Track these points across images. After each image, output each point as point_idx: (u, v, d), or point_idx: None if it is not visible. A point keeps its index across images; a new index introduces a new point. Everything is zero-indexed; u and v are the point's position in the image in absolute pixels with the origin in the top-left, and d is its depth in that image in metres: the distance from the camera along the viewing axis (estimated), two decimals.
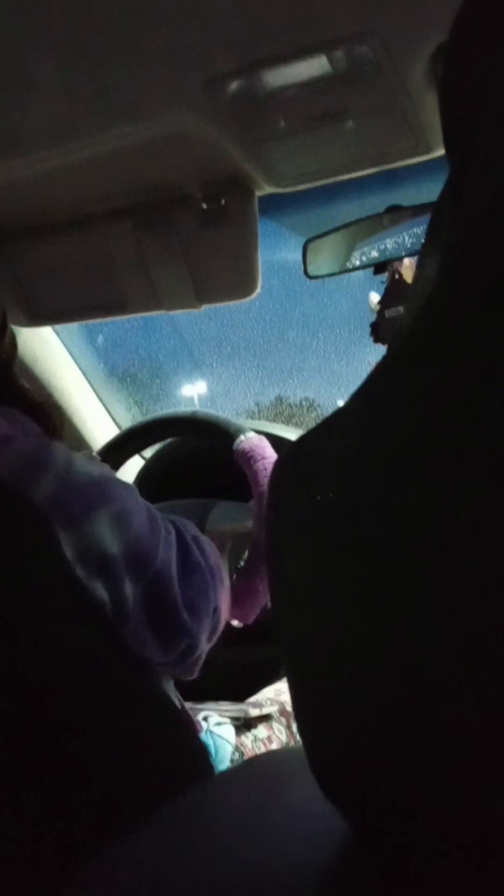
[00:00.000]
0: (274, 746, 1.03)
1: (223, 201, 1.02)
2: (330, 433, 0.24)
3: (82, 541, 0.59)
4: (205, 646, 0.72)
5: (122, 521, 0.62)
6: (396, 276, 1.00)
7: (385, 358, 0.22)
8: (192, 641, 0.68)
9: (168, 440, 1.47)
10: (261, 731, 1.04)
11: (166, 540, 0.66)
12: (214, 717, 1.03)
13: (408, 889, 0.21)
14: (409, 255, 0.99)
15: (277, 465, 0.26)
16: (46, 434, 0.72)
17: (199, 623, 0.68)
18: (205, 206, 1.03)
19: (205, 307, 1.17)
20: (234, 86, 0.77)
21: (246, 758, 0.98)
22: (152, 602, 0.63)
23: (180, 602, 0.65)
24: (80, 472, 0.62)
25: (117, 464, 1.33)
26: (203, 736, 0.97)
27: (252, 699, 1.14)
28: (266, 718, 1.07)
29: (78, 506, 0.60)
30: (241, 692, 1.15)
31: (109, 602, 0.61)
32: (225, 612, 0.76)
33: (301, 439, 0.25)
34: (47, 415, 0.75)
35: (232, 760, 0.97)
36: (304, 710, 0.24)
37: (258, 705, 1.10)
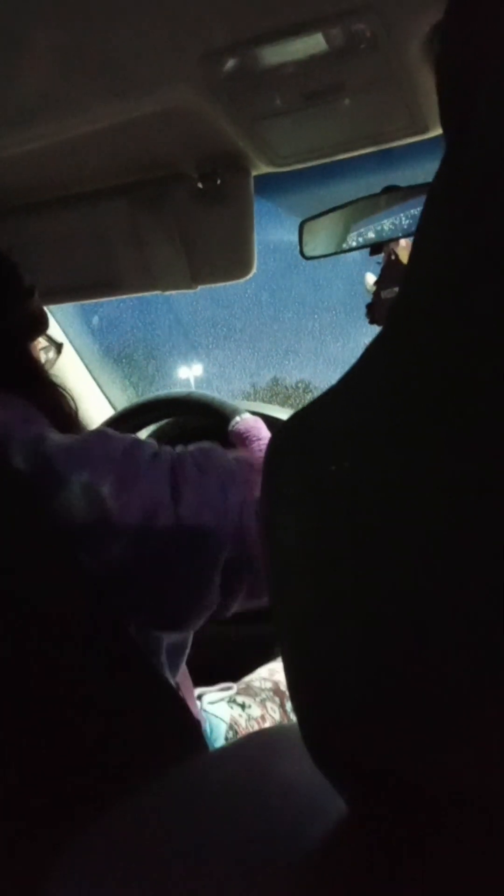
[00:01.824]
0: (267, 725, 1.04)
1: (219, 180, 1.01)
2: (325, 408, 0.24)
3: (58, 510, 0.58)
4: (233, 596, 0.66)
5: (93, 487, 0.60)
6: (392, 257, 1.00)
7: (380, 333, 0.22)
8: (220, 553, 0.63)
9: (163, 421, 1.47)
10: (255, 709, 1.05)
11: (153, 485, 0.62)
12: (209, 696, 1.03)
13: (403, 859, 0.22)
14: (406, 235, 0.98)
15: (272, 441, 0.26)
16: (56, 421, 0.70)
17: (207, 558, 0.63)
18: (201, 185, 1.02)
19: (200, 288, 1.17)
20: (230, 61, 0.77)
21: (240, 736, 0.99)
22: (127, 562, 0.60)
23: (181, 532, 0.61)
24: (48, 445, 0.60)
25: None
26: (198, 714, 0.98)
27: (246, 678, 1.15)
28: (260, 697, 1.08)
29: (49, 477, 0.59)
30: (234, 670, 1.16)
31: (100, 570, 0.59)
32: (249, 495, 0.68)
33: (296, 415, 0.25)
34: (57, 401, 0.72)
35: (227, 738, 0.98)
36: (298, 683, 0.24)
37: (252, 684, 1.11)
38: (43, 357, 0.77)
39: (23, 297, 0.72)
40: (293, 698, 0.25)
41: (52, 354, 0.77)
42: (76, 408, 0.76)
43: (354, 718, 0.20)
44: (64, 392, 0.74)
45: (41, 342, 0.78)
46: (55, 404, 0.71)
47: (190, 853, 0.31)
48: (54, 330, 1.54)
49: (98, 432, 0.66)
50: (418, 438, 0.18)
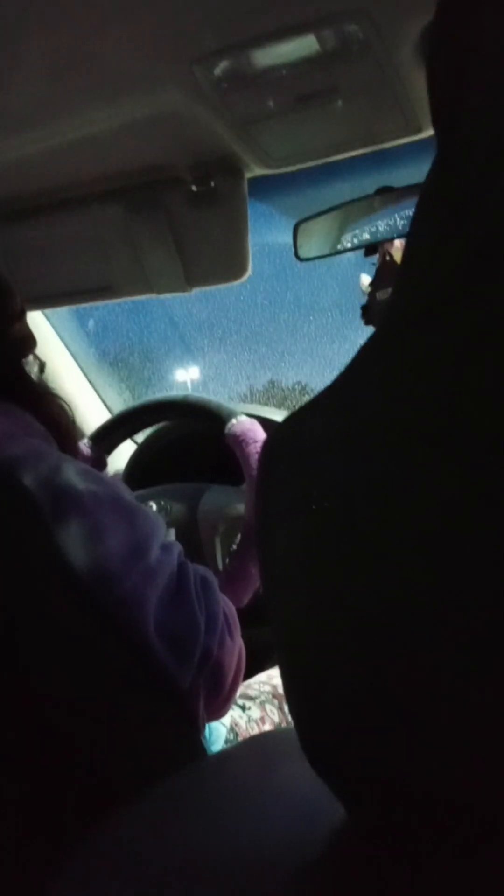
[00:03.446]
0: (267, 727, 1.04)
1: (213, 183, 1.01)
2: (318, 411, 0.24)
3: (51, 542, 0.58)
4: (196, 697, 0.68)
5: (92, 537, 0.60)
6: (387, 258, 1.00)
7: (372, 336, 0.22)
8: (172, 677, 0.64)
9: (160, 424, 1.47)
10: (254, 711, 1.05)
11: (148, 571, 0.63)
12: None
13: (402, 866, 0.22)
14: (401, 236, 0.98)
15: (266, 445, 0.26)
16: (53, 432, 0.71)
17: (181, 660, 0.65)
18: (194, 188, 1.02)
19: (195, 291, 1.17)
20: (221, 65, 0.77)
21: (240, 738, 0.99)
22: (120, 626, 0.61)
23: (153, 632, 0.62)
24: (61, 481, 0.61)
25: (109, 448, 1.33)
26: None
27: (245, 682, 1.15)
28: (259, 699, 1.08)
29: (49, 511, 0.59)
30: None
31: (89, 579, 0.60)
32: (229, 667, 0.72)
33: (289, 418, 0.25)
34: (54, 412, 0.74)
35: (227, 741, 0.98)
36: (293, 688, 0.24)
37: (251, 686, 1.12)
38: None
39: (16, 319, 0.75)
40: (289, 703, 0.25)
41: (35, 370, 0.79)
42: (73, 417, 0.78)
43: (349, 724, 0.20)
44: (62, 402, 0.77)
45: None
46: (53, 415, 0.73)
47: (189, 860, 0.31)
48: (50, 334, 1.55)
49: (115, 492, 0.66)
50: (412, 442, 0.18)
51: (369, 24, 0.71)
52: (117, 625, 0.60)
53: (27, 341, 0.78)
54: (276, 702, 1.09)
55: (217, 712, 0.75)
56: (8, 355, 0.74)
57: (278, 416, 1.37)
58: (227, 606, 0.76)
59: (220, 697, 0.73)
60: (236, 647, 0.74)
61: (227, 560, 1.26)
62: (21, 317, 0.77)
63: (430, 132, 0.91)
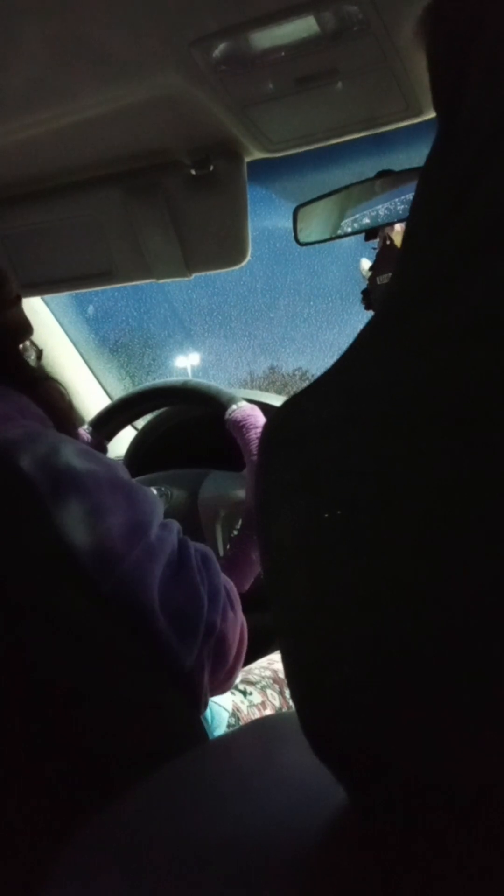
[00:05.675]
0: (268, 711, 1.05)
1: (212, 167, 1.01)
2: (317, 395, 0.24)
3: (51, 525, 0.59)
4: (201, 671, 0.68)
5: (93, 516, 0.60)
6: (388, 242, 1.00)
7: (372, 319, 0.22)
8: (176, 654, 0.65)
9: (160, 410, 1.47)
10: (255, 696, 1.06)
11: (150, 548, 0.64)
12: None
13: (402, 849, 0.22)
14: (401, 220, 0.98)
15: (265, 428, 0.26)
16: (52, 415, 0.71)
17: (185, 635, 0.65)
18: (194, 172, 1.01)
19: (195, 276, 1.17)
20: (220, 47, 0.76)
21: (242, 722, 1.00)
22: (124, 605, 0.61)
23: (158, 608, 0.63)
24: (60, 462, 0.61)
25: (109, 434, 1.33)
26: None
27: (246, 668, 1.15)
28: (260, 684, 1.09)
29: (48, 491, 0.59)
30: None
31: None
32: (233, 640, 0.73)
33: (287, 402, 0.25)
34: (52, 395, 0.75)
35: (229, 725, 0.99)
36: (294, 672, 0.24)
37: (252, 672, 1.12)
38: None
39: (11, 305, 0.75)
40: (291, 688, 0.25)
41: (32, 357, 0.80)
42: (71, 400, 0.79)
43: (350, 708, 0.20)
44: (59, 386, 0.77)
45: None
46: (51, 399, 0.74)
47: (192, 844, 0.31)
48: (50, 320, 1.55)
49: (114, 472, 0.66)
50: (412, 422, 0.18)
51: (369, 5, 0.70)
52: (120, 604, 0.61)
53: (23, 327, 0.78)
54: (277, 686, 1.09)
55: (221, 686, 0.76)
56: (3, 341, 0.74)
57: (279, 401, 1.36)
58: (227, 581, 0.76)
59: (224, 670, 0.73)
60: (238, 620, 0.75)
61: (228, 546, 1.26)
62: (16, 303, 0.77)
63: (430, 115, 0.90)
